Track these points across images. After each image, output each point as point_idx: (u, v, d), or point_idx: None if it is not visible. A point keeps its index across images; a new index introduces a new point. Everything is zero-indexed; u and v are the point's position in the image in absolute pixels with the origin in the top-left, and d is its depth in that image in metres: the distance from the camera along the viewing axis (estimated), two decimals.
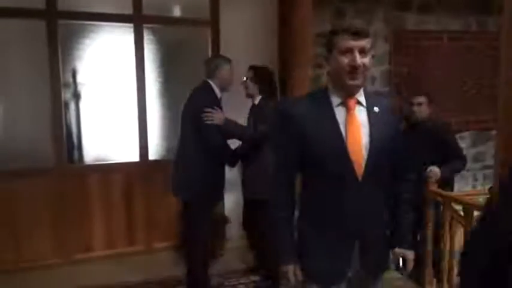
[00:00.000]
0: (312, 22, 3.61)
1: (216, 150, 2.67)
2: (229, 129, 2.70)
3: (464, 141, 5.02)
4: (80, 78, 3.47)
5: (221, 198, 2.80)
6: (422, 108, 3.22)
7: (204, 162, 2.63)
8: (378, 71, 4.55)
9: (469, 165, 5.05)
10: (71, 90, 3.46)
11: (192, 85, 2.93)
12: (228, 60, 2.79)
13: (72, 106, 3.48)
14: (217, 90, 2.71)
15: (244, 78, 2.92)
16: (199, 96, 2.69)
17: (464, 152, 5.03)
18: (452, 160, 3.18)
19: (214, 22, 3.68)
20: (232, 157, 2.82)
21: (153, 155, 3.70)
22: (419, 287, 3.04)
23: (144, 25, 3.54)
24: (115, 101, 3.57)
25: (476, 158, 5.05)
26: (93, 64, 3.48)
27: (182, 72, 3.71)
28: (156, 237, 3.69)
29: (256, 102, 2.93)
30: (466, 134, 5.01)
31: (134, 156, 3.64)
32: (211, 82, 2.72)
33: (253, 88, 2.90)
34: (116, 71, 3.55)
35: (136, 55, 3.55)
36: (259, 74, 2.90)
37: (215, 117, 2.62)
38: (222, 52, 3.54)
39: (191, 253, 2.77)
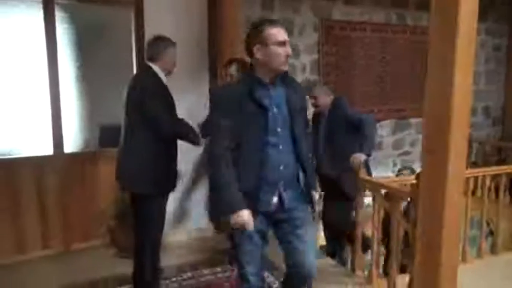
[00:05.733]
0: (241, 6, 3.52)
1: (172, 136, 2.53)
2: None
3: (384, 130, 5.30)
4: None
5: (174, 188, 2.64)
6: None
7: (156, 151, 2.46)
8: (307, 60, 4.59)
9: (389, 151, 5.37)
10: None
11: (113, 70, 2.66)
12: (173, 43, 2.60)
13: None
14: (161, 75, 2.53)
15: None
16: (144, 82, 2.49)
17: (384, 140, 5.41)
18: None
19: (137, 1, 3.38)
20: (193, 136, 2.65)
21: (69, 147, 3.34)
22: (351, 272, 3.13)
23: (56, 1, 3.15)
24: (22, 88, 3.15)
25: (395, 145, 5.36)
26: None
27: (102, 56, 3.38)
28: (75, 238, 3.35)
29: None
30: (386, 122, 5.29)
31: (47, 149, 3.25)
32: (153, 66, 2.51)
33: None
34: (23, 54, 3.13)
35: (46, 36, 3.16)
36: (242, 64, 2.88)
37: None
38: (147, 35, 3.29)
39: (142, 248, 2.55)
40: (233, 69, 2.90)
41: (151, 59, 2.52)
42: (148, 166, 2.46)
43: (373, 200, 2.84)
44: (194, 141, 2.64)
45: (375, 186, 2.87)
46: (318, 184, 3.17)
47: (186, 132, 2.58)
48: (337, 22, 4.64)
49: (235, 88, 1.92)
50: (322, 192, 3.47)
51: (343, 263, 3.42)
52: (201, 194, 3.66)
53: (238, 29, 3.38)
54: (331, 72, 4.66)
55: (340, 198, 3.17)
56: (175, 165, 2.60)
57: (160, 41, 2.56)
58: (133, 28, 3.42)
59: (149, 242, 2.55)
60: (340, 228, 3.34)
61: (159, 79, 2.51)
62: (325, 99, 3.27)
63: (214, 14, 3.50)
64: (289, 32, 4.41)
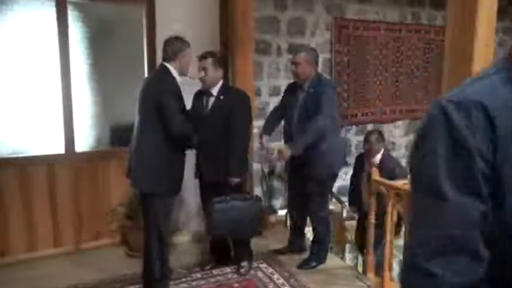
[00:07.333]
0: (253, 4, 3.49)
1: (180, 137, 2.53)
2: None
3: (397, 130, 5.22)
4: None
5: (181, 188, 2.65)
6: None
7: (165, 151, 2.49)
8: (319, 59, 4.53)
9: (402, 152, 5.29)
10: None
11: (124, 68, 2.66)
12: (189, 44, 2.61)
13: None
14: (176, 75, 2.54)
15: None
16: (159, 82, 2.52)
17: (397, 140, 5.33)
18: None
19: None
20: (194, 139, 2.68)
21: (81, 146, 3.35)
22: (362, 275, 3.07)
23: (68, 0, 3.16)
24: (35, 87, 3.16)
25: (409, 146, 5.28)
26: (8, 44, 3.04)
27: (113, 54, 3.38)
28: (86, 236, 3.36)
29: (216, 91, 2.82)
30: (399, 123, 5.21)
31: (59, 148, 3.27)
32: (169, 66, 2.53)
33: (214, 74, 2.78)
34: (36, 52, 3.14)
35: (59, 34, 3.16)
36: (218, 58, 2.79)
37: None
38: (158, 33, 3.29)
39: (150, 247, 2.57)
40: (209, 62, 2.74)
41: (167, 59, 2.54)
42: (161, 166, 2.47)
43: (387, 202, 2.79)
44: (193, 145, 2.66)
45: (388, 188, 2.81)
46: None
47: (191, 134, 2.58)
48: (350, 21, 4.58)
49: (495, 90, 0.73)
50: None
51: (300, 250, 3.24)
52: None
53: (250, 28, 3.37)
54: (343, 72, 4.60)
55: (309, 180, 3.00)
56: (183, 166, 2.61)
57: (176, 41, 2.57)
58: (144, 26, 3.41)
59: (157, 240, 2.56)
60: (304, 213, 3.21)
61: (174, 79, 2.53)
62: (308, 70, 2.92)
63: (226, 11, 3.47)
64: (301, 32, 4.39)
